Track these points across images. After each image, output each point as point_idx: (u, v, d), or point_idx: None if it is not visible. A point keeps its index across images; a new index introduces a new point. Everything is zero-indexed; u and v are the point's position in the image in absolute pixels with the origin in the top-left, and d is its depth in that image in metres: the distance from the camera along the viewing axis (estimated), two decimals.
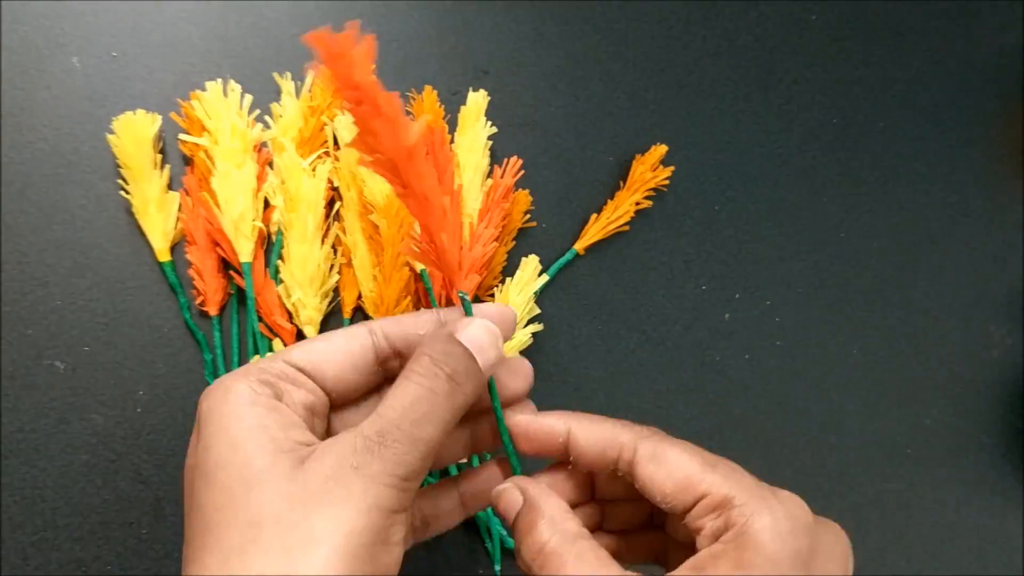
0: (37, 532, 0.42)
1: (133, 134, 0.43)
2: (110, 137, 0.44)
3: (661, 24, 0.52)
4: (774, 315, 0.51)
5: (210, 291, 0.44)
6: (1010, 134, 0.56)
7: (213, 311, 0.44)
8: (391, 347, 0.30)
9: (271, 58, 0.47)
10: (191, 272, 0.44)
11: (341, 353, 0.29)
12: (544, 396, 0.47)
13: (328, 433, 0.30)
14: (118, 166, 0.44)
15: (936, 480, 0.51)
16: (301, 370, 0.28)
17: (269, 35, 0.48)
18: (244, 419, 0.26)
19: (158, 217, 0.44)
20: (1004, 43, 0.57)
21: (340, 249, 0.45)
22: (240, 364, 0.45)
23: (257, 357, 0.33)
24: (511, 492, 0.30)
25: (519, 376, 0.32)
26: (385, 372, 0.31)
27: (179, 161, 0.46)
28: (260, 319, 0.44)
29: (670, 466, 0.27)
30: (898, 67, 0.55)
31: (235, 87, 0.45)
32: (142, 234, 0.44)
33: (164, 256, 0.44)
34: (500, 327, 0.30)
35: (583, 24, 0.51)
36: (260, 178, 0.44)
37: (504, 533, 0.45)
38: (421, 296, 0.45)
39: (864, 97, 0.55)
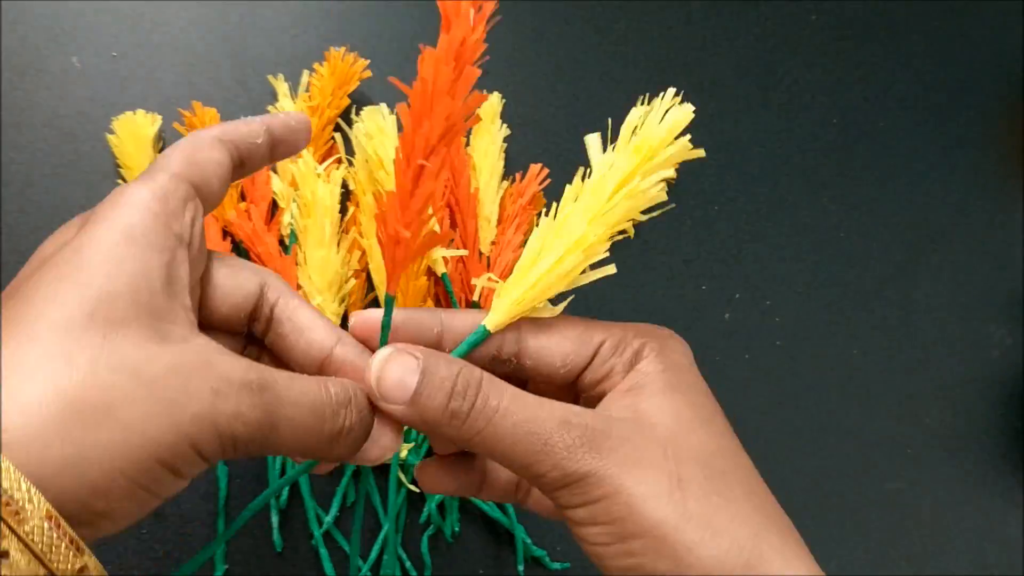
0: None
1: (133, 134, 0.43)
2: (110, 137, 0.44)
3: (661, 24, 0.52)
4: (774, 315, 0.51)
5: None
6: (1010, 134, 0.56)
7: None
8: (239, 155, 0.28)
9: (271, 58, 0.47)
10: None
11: (218, 168, 0.26)
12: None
13: None
14: (118, 166, 0.44)
15: (936, 480, 0.51)
16: (195, 186, 0.25)
17: (269, 35, 0.48)
18: (138, 249, 0.22)
19: None
20: (1004, 43, 0.57)
21: (351, 254, 0.45)
22: None
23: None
24: (399, 355, 0.25)
25: (300, 132, 0.29)
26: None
27: None
28: None
29: (560, 329, 0.28)
30: (898, 67, 0.55)
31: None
32: None
33: None
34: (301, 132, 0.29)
35: (583, 24, 0.51)
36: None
37: (527, 540, 0.45)
38: (442, 299, 0.45)
39: (864, 97, 0.55)
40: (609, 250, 0.51)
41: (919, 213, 0.54)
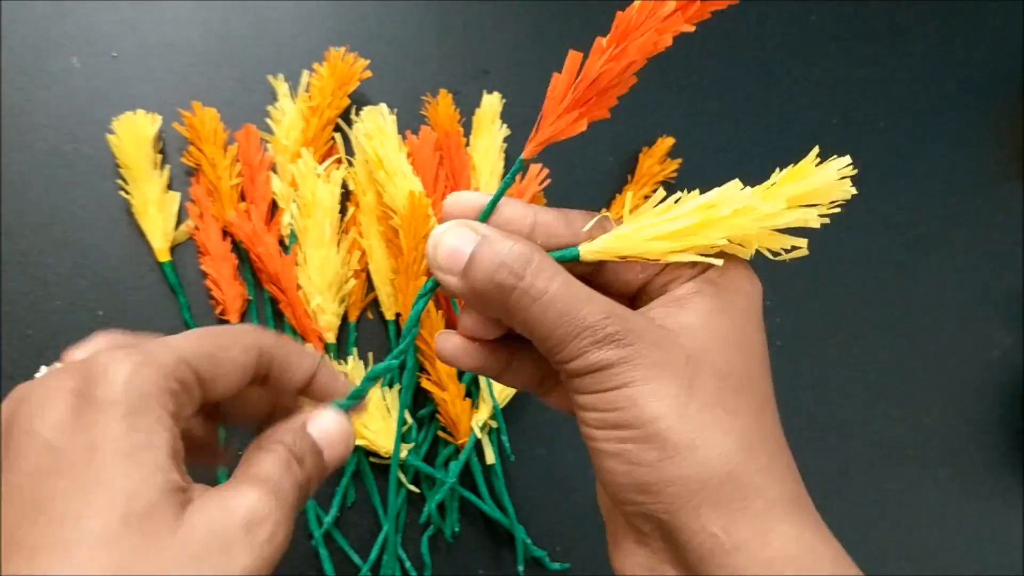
0: None
1: (133, 134, 0.43)
2: (110, 137, 0.44)
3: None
4: (774, 315, 0.51)
5: (229, 299, 0.44)
6: (1010, 134, 0.56)
7: (234, 319, 0.44)
8: (267, 370, 0.28)
9: (271, 59, 0.47)
10: (208, 283, 0.44)
11: (237, 371, 0.27)
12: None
13: None
14: (118, 166, 0.44)
15: (936, 480, 0.51)
16: (199, 378, 0.26)
17: (269, 35, 0.48)
18: (142, 434, 0.23)
19: (158, 217, 0.44)
20: (1004, 43, 0.57)
21: (351, 255, 0.45)
22: None
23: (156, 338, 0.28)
24: (456, 228, 0.26)
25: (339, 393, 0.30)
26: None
27: (178, 161, 0.46)
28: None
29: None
30: (898, 67, 0.55)
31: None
32: (142, 234, 0.44)
33: (164, 256, 0.44)
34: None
35: (583, 24, 0.51)
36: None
37: (527, 539, 0.45)
38: (441, 299, 0.45)
39: (864, 97, 0.55)
40: None
41: (919, 213, 0.54)
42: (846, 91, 0.54)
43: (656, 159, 0.49)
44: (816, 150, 0.27)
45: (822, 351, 0.51)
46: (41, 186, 0.44)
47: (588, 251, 0.27)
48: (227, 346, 0.26)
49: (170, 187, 0.45)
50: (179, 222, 0.45)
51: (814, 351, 0.51)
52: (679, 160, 0.50)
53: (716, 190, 0.28)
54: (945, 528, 0.51)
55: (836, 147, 0.55)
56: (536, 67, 0.50)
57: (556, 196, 0.49)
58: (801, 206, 0.28)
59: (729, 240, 0.28)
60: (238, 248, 0.45)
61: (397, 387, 0.44)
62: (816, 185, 0.28)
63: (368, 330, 0.46)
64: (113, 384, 0.23)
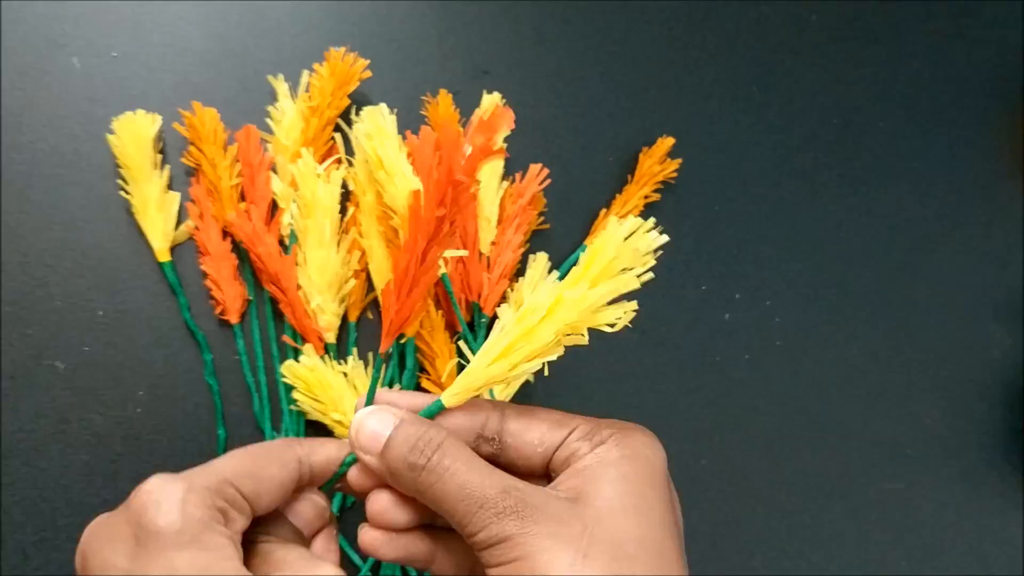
0: (37, 532, 0.42)
1: (133, 134, 0.43)
2: (110, 137, 0.44)
3: (661, 24, 0.52)
4: (774, 315, 0.51)
5: (229, 299, 0.44)
6: (1010, 134, 0.56)
7: (234, 319, 0.44)
8: (310, 477, 0.32)
9: (271, 59, 0.47)
10: (208, 283, 0.44)
11: (277, 486, 0.30)
12: (545, 397, 0.47)
13: None
14: (118, 166, 0.44)
15: (936, 480, 0.51)
16: (242, 495, 0.29)
17: (269, 35, 0.48)
18: (208, 547, 0.26)
19: (158, 217, 0.44)
20: (1004, 43, 0.57)
21: (351, 255, 0.45)
22: (265, 366, 0.45)
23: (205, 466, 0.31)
24: (378, 411, 0.30)
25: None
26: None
27: (178, 161, 0.46)
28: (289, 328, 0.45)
29: (538, 415, 0.31)
30: (898, 67, 0.55)
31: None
32: (142, 234, 0.44)
33: (164, 256, 0.44)
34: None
35: (583, 24, 0.51)
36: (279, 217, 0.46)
37: None
38: (441, 299, 0.45)
39: (864, 97, 0.55)
40: None
41: (919, 213, 0.54)
42: (846, 91, 0.54)
43: (656, 159, 0.49)
44: (613, 218, 0.30)
45: (822, 351, 0.51)
46: (41, 186, 0.44)
47: (449, 397, 0.30)
48: (266, 465, 0.30)
49: (170, 187, 0.45)
50: (179, 222, 0.45)
51: (814, 351, 0.51)
52: (679, 160, 0.50)
53: (530, 298, 0.30)
54: (945, 528, 0.51)
55: (836, 147, 0.56)
56: (536, 67, 0.50)
57: (555, 196, 0.49)
58: (618, 272, 0.30)
59: (561, 334, 0.29)
60: (238, 248, 0.45)
61: (397, 387, 0.44)
62: (617, 254, 0.30)
63: (368, 330, 0.46)
64: (168, 513, 0.26)
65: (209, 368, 0.44)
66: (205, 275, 0.44)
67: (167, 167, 0.45)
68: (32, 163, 0.44)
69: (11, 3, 0.45)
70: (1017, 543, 0.51)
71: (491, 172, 0.46)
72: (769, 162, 0.52)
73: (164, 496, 0.27)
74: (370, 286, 0.46)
